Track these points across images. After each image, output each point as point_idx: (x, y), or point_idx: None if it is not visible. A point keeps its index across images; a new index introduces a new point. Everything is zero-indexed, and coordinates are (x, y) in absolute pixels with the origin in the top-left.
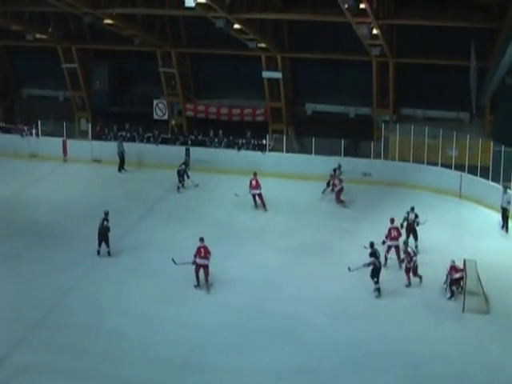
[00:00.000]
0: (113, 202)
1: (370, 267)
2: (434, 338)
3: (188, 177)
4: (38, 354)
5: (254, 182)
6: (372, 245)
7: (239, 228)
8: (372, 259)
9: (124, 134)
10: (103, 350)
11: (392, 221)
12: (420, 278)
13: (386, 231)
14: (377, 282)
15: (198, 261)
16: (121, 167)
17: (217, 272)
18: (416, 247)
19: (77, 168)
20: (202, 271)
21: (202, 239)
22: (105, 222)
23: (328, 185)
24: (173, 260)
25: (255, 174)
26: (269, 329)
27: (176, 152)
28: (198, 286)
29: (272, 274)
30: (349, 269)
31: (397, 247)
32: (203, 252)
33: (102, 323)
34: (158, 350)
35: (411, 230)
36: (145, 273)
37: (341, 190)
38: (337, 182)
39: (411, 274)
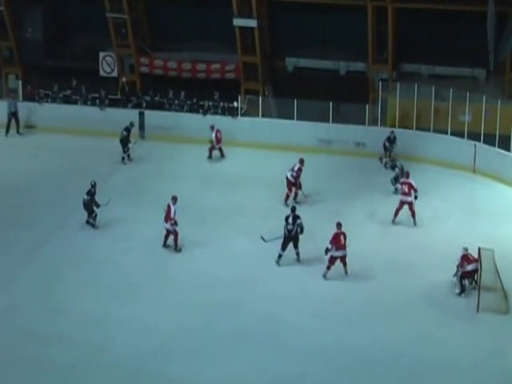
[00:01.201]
0: (51, 177)
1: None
2: (441, 343)
3: (129, 141)
4: None
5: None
6: (293, 209)
7: (208, 210)
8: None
9: (68, 94)
10: (40, 357)
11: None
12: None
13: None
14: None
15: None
16: (8, 129)
17: (180, 263)
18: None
19: (4, 135)
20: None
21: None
22: (85, 196)
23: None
24: (262, 238)
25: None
26: (242, 331)
27: (127, 116)
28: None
29: (247, 265)
30: (262, 239)
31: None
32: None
33: (37, 327)
34: (107, 357)
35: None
36: (90, 265)
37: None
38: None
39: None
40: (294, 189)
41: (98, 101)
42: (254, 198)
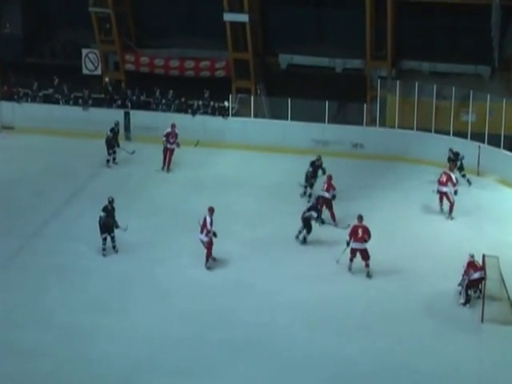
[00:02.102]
0: (30, 180)
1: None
2: (443, 355)
3: (118, 145)
4: None
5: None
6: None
7: (196, 214)
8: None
9: (49, 92)
10: (21, 371)
11: (359, 219)
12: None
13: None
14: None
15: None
16: None
17: (168, 271)
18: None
19: None
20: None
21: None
22: (101, 214)
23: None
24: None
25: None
26: (233, 342)
27: (112, 117)
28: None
29: (237, 273)
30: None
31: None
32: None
33: (18, 339)
34: (92, 369)
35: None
36: (73, 274)
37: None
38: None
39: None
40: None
41: (80, 100)
42: (245, 202)
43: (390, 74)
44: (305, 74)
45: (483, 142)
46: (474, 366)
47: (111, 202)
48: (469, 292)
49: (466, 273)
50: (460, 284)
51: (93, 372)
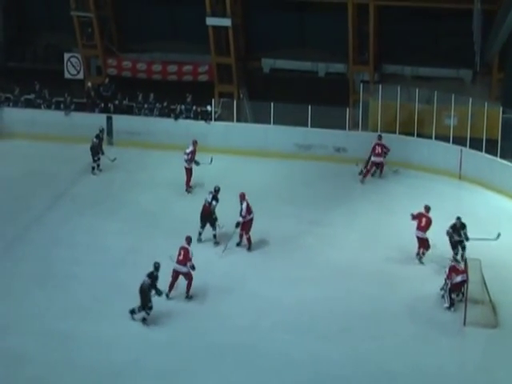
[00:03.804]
0: (12, 185)
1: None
2: (426, 359)
3: (103, 152)
4: None
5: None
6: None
7: (179, 220)
8: None
9: (31, 97)
10: (3, 377)
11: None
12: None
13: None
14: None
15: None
16: None
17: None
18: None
19: None
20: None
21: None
22: (146, 279)
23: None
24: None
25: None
26: (215, 347)
27: (94, 121)
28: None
29: (219, 277)
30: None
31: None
32: (182, 255)
33: (0, 344)
34: (72, 376)
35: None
36: (54, 279)
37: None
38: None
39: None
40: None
41: (62, 105)
42: (229, 207)
43: (373, 78)
44: (287, 78)
45: (465, 146)
46: (456, 369)
47: (157, 267)
48: (452, 296)
49: (449, 276)
50: (442, 288)
51: (77, 377)
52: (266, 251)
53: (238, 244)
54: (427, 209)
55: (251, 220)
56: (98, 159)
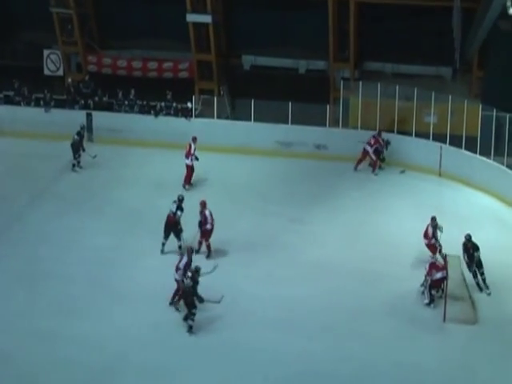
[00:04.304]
0: None
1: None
2: (405, 354)
3: (84, 149)
4: None
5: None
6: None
7: (160, 218)
8: None
9: (10, 94)
10: None
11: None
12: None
13: None
14: None
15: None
16: None
17: (130, 276)
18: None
19: None
20: None
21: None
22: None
23: None
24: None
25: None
26: (198, 346)
27: (74, 118)
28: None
29: (204, 276)
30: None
31: None
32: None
33: None
34: (54, 375)
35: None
36: (37, 277)
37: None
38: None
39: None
40: None
41: (42, 102)
42: (209, 203)
43: (353, 75)
44: (268, 75)
45: (445, 143)
46: (436, 365)
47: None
48: (432, 292)
49: (429, 273)
50: (423, 284)
51: (63, 375)
52: (248, 249)
53: (197, 251)
54: (431, 220)
55: (212, 228)
56: (79, 156)
